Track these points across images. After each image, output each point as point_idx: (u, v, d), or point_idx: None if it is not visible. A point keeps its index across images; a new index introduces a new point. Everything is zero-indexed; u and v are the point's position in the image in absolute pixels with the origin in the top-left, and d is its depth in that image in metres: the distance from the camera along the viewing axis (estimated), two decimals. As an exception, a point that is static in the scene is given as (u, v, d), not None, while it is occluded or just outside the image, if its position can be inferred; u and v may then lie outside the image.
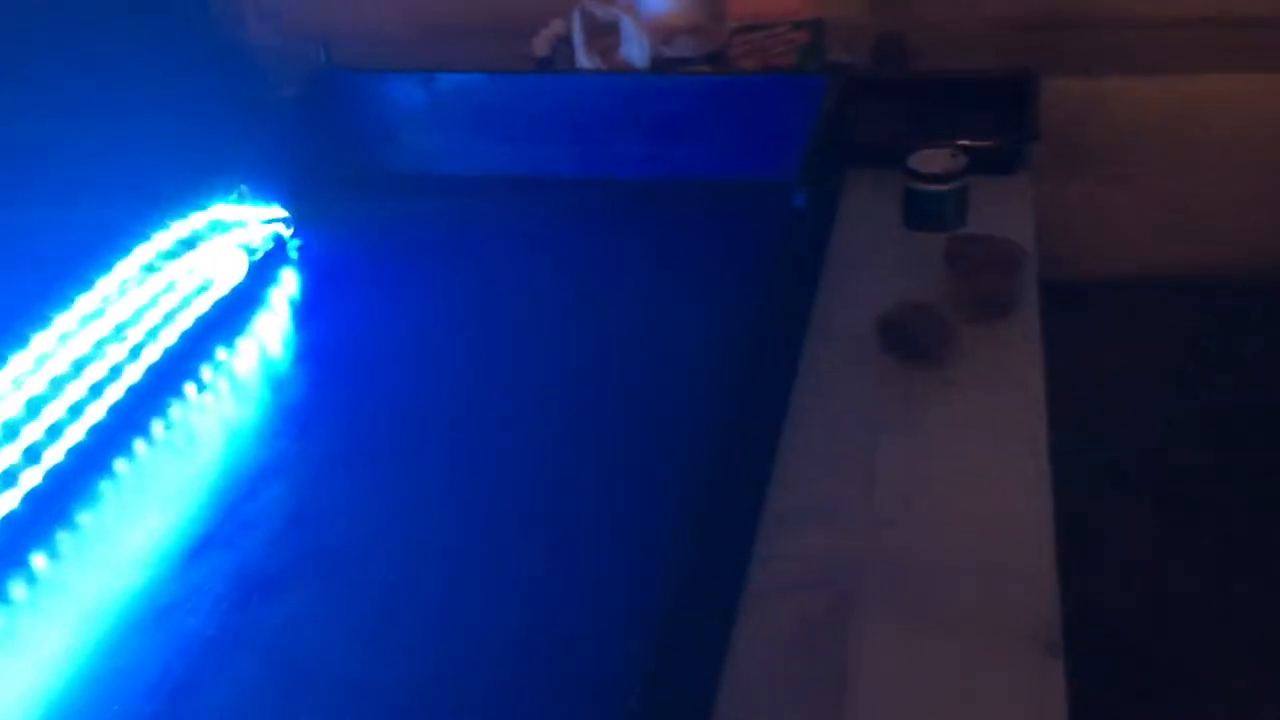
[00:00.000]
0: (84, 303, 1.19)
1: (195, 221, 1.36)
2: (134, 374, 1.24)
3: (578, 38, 1.78)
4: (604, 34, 1.79)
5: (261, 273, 1.47)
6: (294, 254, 1.52)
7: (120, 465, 1.19)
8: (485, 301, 1.44)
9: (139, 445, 1.22)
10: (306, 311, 1.47)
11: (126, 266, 1.26)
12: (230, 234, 1.42)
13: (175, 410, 1.27)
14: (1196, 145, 2.42)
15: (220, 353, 1.35)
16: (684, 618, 0.89)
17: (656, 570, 1.00)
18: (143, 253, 1.28)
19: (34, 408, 1.11)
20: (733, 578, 1.01)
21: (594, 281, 1.45)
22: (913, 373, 1.23)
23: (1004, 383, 1.21)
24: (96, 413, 1.18)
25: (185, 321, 1.33)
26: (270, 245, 1.49)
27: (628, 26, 1.73)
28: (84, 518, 1.13)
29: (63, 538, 1.11)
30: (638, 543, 1.05)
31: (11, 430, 1.08)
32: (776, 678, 0.94)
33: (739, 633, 0.98)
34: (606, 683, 0.93)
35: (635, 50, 1.72)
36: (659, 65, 1.70)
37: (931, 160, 1.44)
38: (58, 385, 1.14)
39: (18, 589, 1.06)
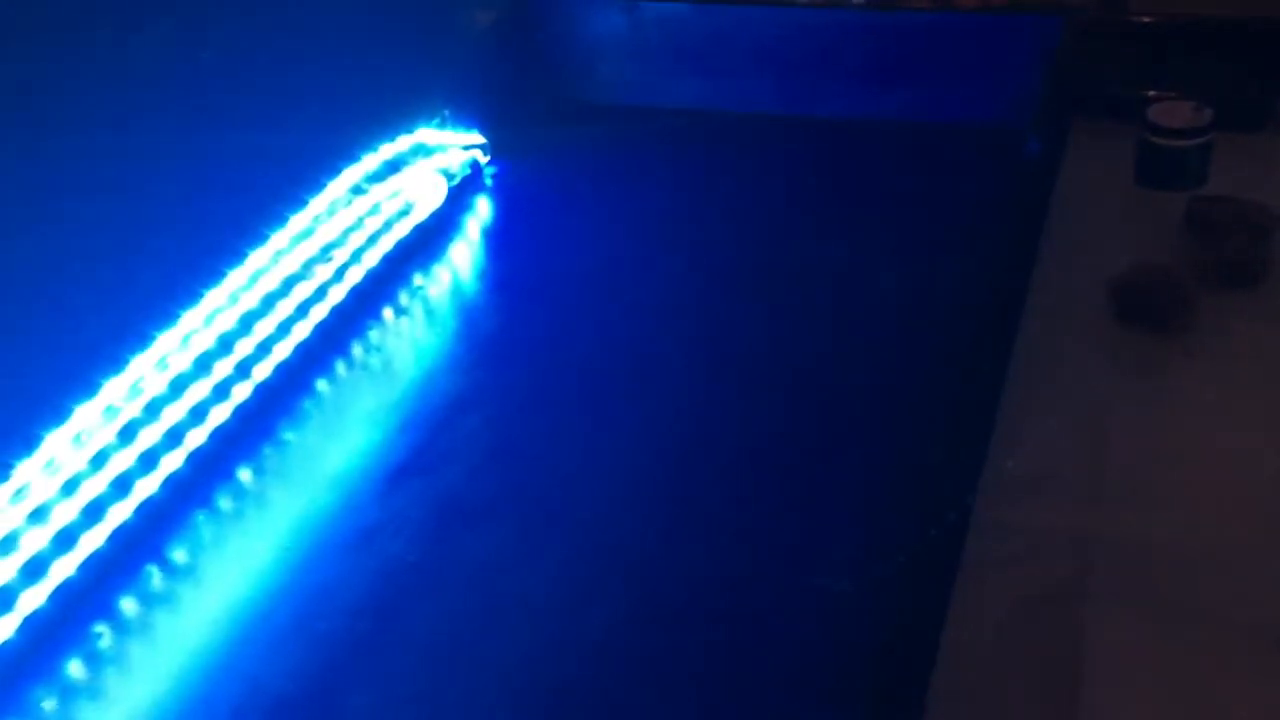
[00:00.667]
0: (296, 221, 1.19)
1: (400, 145, 1.35)
2: (338, 295, 1.24)
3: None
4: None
5: (458, 199, 1.46)
6: (489, 181, 1.50)
7: (322, 385, 1.20)
8: (681, 236, 1.40)
9: (340, 367, 1.22)
10: (500, 241, 1.45)
11: (336, 187, 1.26)
12: (431, 159, 1.41)
13: (375, 334, 1.27)
14: None
15: (418, 279, 1.35)
16: (907, 584, 0.84)
17: (870, 534, 0.96)
18: (351, 174, 1.28)
19: (247, 323, 1.12)
20: (953, 546, 0.95)
21: (798, 224, 1.40)
22: (1147, 341, 1.15)
23: (1250, 357, 1.12)
24: (303, 331, 1.19)
25: (387, 244, 1.32)
26: (467, 171, 1.48)
27: (844, -42, 1.65)
28: (289, 435, 1.14)
29: (269, 453, 1.12)
30: (849, 503, 1.01)
31: (226, 344, 1.09)
32: (997, 656, 0.89)
33: (955, 605, 0.92)
34: (816, 649, 0.89)
35: (853, -17, 1.64)
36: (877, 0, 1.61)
37: (1173, 113, 1.33)
38: (270, 302, 1.15)
39: (225, 501, 1.08)
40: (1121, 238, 1.28)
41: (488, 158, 1.50)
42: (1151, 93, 1.39)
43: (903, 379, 1.12)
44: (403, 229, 1.35)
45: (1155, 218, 1.29)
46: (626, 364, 1.22)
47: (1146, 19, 1.63)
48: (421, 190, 1.39)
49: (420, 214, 1.38)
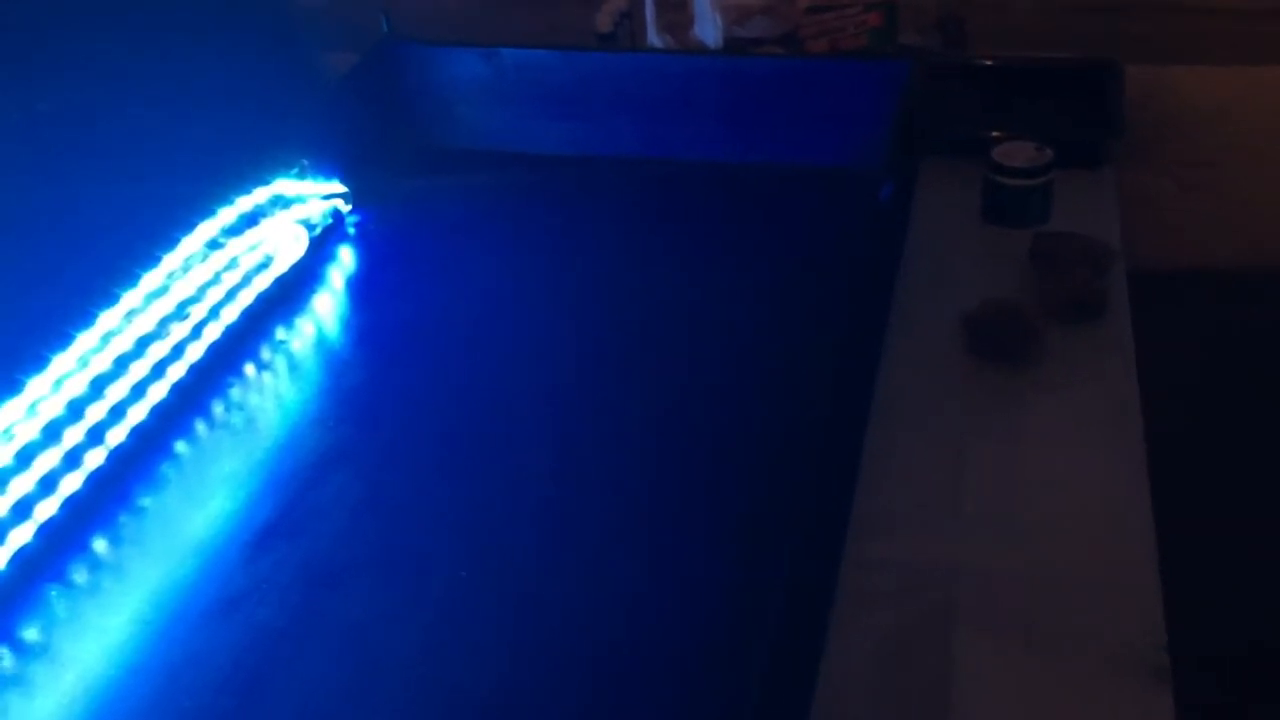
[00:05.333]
0: (149, 279, 1.15)
1: (257, 197, 1.33)
2: (196, 352, 1.21)
3: (649, 13, 1.73)
4: (674, 10, 1.74)
5: (321, 250, 1.43)
6: (352, 230, 1.48)
7: (181, 447, 1.16)
8: (547, 282, 1.40)
9: (200, 428, 1.19)
10: (365, 290, 1.43)
11: (191, 242, 1.22)
12: (290, 210, 1.39)
13: (236, 391, 1.24)
14: (1250, 136, 2.37)
15: (280, 332, 1.32)
16: (777, 624, 0.85)
17: (742, 576, 0.97)
18: (206, 228, 1.25)
19: (98, 386, 1.08)
20: (825, 584, 0.97)
21: (660, 268, 1.41)
22: (1000, 375, 1.19)
23: (1096, 386, 1.17)
24: (159, 392, 1.15)
25: (246, 299, 1.29)
26: (329, 221, 1.46)
27: (702, 4, 1.68)
28: (146, 501, 1.10)
29: (125, 521, 1.08)
30: (719, 548, 1.02)
31: (76, 410, 1.05)
32: (871, 690, 0.91)
33: (831, 641, 0.94)
34: (690, 692, 0.90)
35: (709, 29, 1.67)
36: (732, 45, 1.65)
37: (1016, 153, 1.39)
38: (122, 364, 1.11)
39: (79, 573, 1.03)
40: (972, 275, 1.32)
41: (350, 206, 1.48)
42: (995, 134, 1.45)
43: (767, 422, 1.14)
44: (263, 282, 1.32)
45: (1003, 254, 1.34)
46: (497, 412, 1.21)
47: (989, 62, 1.71)
48: (281, 242, 1.36)
49: (281, 266, 1.35)
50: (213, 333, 1.23)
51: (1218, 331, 2.41)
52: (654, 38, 1.72)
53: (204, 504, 1.10)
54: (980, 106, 1.60)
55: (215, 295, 1.24)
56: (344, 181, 1.47)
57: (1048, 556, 1.01)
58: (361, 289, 1.43)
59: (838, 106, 1.48)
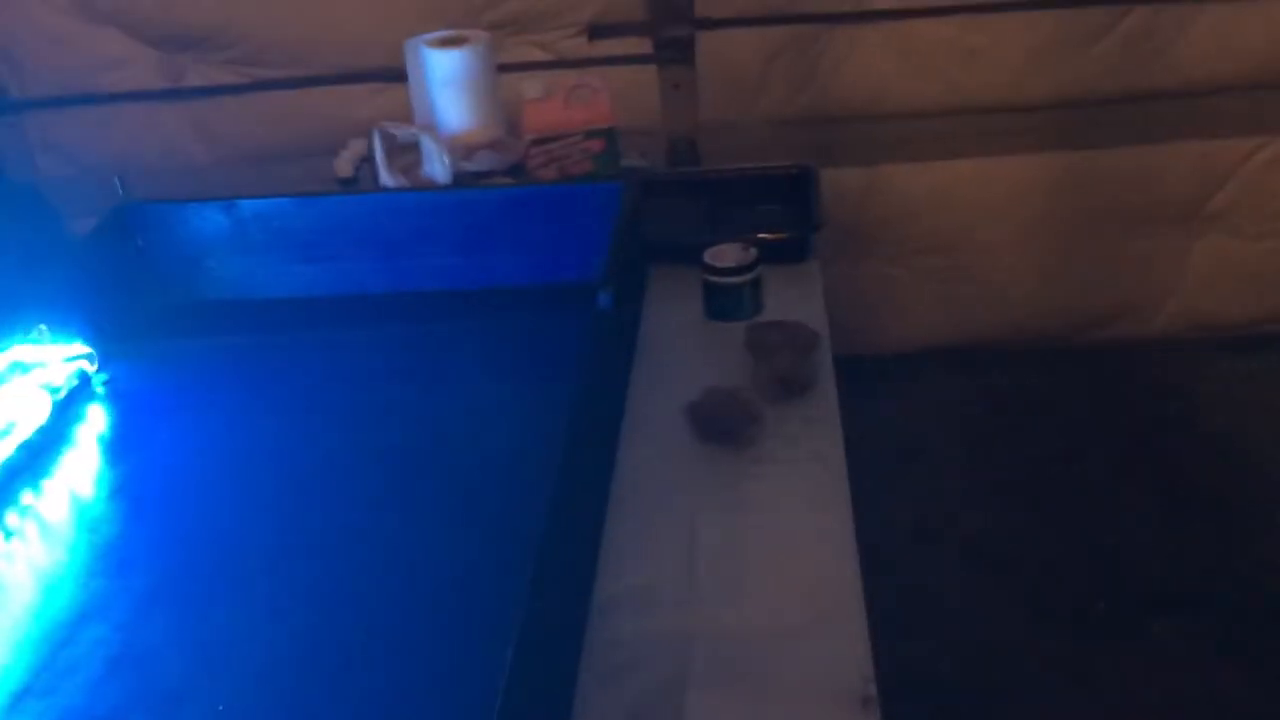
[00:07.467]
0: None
1: (-7, 364, 1.33)
2: (-65, 526, 1.20)
3: (379, 157, 1.82)
4: (405, 153, 1.84)
5: (67, 411, 1.44)
6: (100, 389, 1.49)
7: (-74, 623, 1.15)
8: (301, 423, 1.44)
9: (-54, 600, 1.17)
10: (117, 447, 1.44)
11: (-78, 415, 1.22)
12: (31, 375, 1.40)
13: (-17, 560, 1.23)
14: (960, 224, 2.63)
15: (27, 496, 1.32)
16: (522, 704, 0.91)
17: (491, 666, 1.02)
18: (-61, 400, 1.25)
19: None
20: (566, 667, 1.04)
21: (411, 393, 1.47)
22: (724, 455, 1.30)
23: (808, 457, 1.29)
24: (-104, 570, 1.14)
25: (-12, 467, 1.29)
26: (75, 383, 1.47)
27: (428, 145, 1.78)
28: (-110, 679, 1.08)
29: None
30: (472, 643, 1.07)
31: None
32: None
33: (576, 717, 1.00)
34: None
35: (438, 167, 1.77)
36: (461, 180, 1.75)
37: (725, 254, 1.53)
38: None
39: None
40: (696, 366, 1.44)
41: (95, 366, 1.50)
42: (709, 238, 1.59)
43: (520, 519, 1.20)
44: (5, 449, 1.32)
45: (722, 346, 1.47)
46: (252, 556, 1.23)
47: (703, 175, 1.87)
48: (23, 408, 1.37)
49: (24, 432, 1.36)
50: (-47, 504, 1.22)
51: (962, 401, 2.63)
52: (386, 179, 1.81)
53: (-49, 676, 1.09)
54: (698, 215, 1.75)
55: (-47, 466, 1.24)
56: (90, 342, 1.49)
57: (770, 615, 1.10)
58: (113, 446, 1.44)
59: (564, 228, 1.59)
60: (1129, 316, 2.71)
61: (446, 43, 1.88)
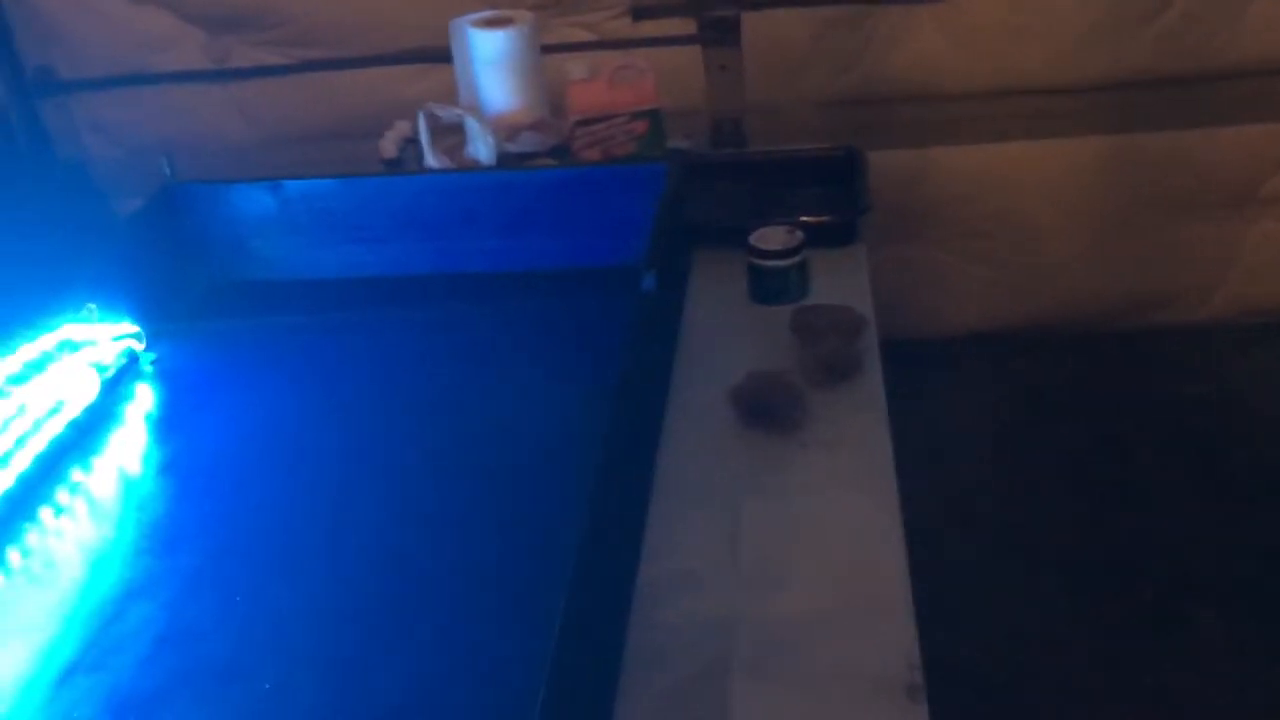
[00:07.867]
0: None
1: (44, 343, 1.35)
2: (-12, 502, 1.21)
3: (424, 138, 1.82)
4: (449, 134, 1.84)
5: (116, 390, 1.45)
6: (148, 368, 1.51)
7: (-22, 598, 1.16)
8: (347, 404, 1.45)
9: (-4, 576, 1.19)
10: (164, 426, 1.45)
11: (-25, 392, 1.24)
12: (80, 353, 1.41)
13: (32, 537, 1.25)
14: (1008, 208, 2.60)
15: (76, 474, 1.33)
16: (565, 691, 0.91)
17: (535, 648, 1.02)
18: (-9, 377, 1.26)
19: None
20: (610, 651, 1.03)
21: (455, 374, 1.47)
22: (768, 439, 1.29)
23: (853, 441, 1.28)
24: (-51, 545, 1.15)
25: (38, 445, 1.30)
26: (124, 362, 1.48)
27: (472, 126, 1.78)
28: (-57, 654, 1.10)
29: (-78, 675, 1.07)
30: (516, 626, 1.07)
31: None
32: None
33: (619, 703, 1.00)
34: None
35: (481, 148, 1.77)
36: (505, 161, 1.75)
37: (771, 237, 1.51)
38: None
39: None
40: (741, 350, 1.43)
41: (143, 345, 1.51)
42: (755, 220, 1.57)
43: (563, 502, 1.20)
44: (55, 427, 1.34)
45: (768, 330, 1.45)
46: (298, 535, 1.24)
47: (749, 156, 1.86)
48: (73, 386, 1.38)
49: (74, 410, 1.37)
50: (4, 481, 1.24)
51: (1008, 386, 2.61)
52: (431, 160, 1.81)
53: (3, 650, 1.10)
54: (743, 197, 1.73)
55: (4, 444, 1.25)
56: (138, 321, 1.50)
57: (815, 602, 1.09)
58: (161, 424, 1.45)
59: (607, 210, 1.58)
60: (1179, 301, 2.67)
61: (491, 23, 1.87)
